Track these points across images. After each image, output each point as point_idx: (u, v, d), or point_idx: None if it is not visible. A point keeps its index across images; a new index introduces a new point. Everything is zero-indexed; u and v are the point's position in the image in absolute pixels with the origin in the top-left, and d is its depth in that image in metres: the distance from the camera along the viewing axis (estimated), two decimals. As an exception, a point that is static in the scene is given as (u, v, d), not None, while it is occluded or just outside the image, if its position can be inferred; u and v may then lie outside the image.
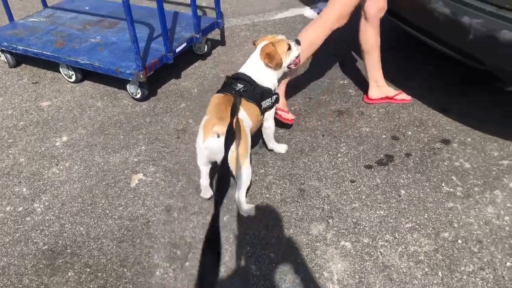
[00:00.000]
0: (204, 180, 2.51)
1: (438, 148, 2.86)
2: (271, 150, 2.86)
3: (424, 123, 3.08)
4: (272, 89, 2.56)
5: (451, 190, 2.56)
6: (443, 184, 2.60)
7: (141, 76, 3.17)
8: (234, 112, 1.90)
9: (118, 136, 3.11)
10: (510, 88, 2.64)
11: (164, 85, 3.65)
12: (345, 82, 3.58)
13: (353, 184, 2.63)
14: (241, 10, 4.83)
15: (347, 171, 2.72)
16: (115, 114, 3.32)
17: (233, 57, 3.99)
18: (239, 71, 2.56)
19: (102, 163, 2.88)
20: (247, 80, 2.46)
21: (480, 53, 2.52)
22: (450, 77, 3.48)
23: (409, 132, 3.00)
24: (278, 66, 2.51)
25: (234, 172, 2.32)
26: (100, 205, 2.59)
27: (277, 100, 2.59)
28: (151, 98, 3.49)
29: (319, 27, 2.78)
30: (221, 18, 3.84)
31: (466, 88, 3.36)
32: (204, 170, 2.48)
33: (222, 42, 4.23)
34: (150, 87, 3.48)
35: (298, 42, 2.61)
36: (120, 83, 3.51)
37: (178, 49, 3.48)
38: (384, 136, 2.98)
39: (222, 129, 2.20)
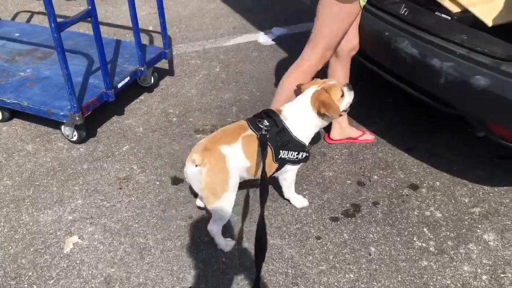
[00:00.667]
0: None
1: (407, 195, 2.66)
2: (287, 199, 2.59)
3: (390, 165, 2.87)
4: (306, 143, 2.33)
5: (424, 245, 2.36)
6: (415, 238, 2.39)
7: (77, 118, 2.79)
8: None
9: (51, 187, 2.71)
10: (482, 134, 2.47)
11: (106, 123, 3.27)
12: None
13: (319, 241, 2.37)
14: (191, 35, 4.52)
15: (311, 226, 2.46)
16: (48, 161, 2.92)
17: (183, 88, 3.67)
18: (280, 108, 2.34)
19: (31, 223, 2.48)
20: (275, 121, 2.24)
21: (451, 98, 2.34)
22: (414, 113, 3.32)
23: (375, 176, 2.79)
24: (335, 114, 2.24)
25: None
26: (27, 278, 2.19)
27: (305, 159, 2.36)
28: (90, 139, 3.10)
29: (303, 74, 2.55)
30: (169, 48, 3.51)
31: (431, 125, 3.20)
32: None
33: (170, 72, 3.90)
34: (89, 126, 3.10)
35: (350, 88, 2.38)
36: (54, 121, 3.10)
37: (120, 85, 3.13)
38: (349, 182, 2.75)
39: (200, 160, 2.08)
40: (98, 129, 3.21)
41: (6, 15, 4.90)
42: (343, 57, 2.71)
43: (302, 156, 2.32)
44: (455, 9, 2.55)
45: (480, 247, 2.34)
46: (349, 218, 2.51)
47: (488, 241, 2.37)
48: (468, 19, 2.49)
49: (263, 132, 2.16)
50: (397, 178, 2.77)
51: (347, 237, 2.39)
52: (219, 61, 4.04)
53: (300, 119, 2.28)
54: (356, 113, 3.22)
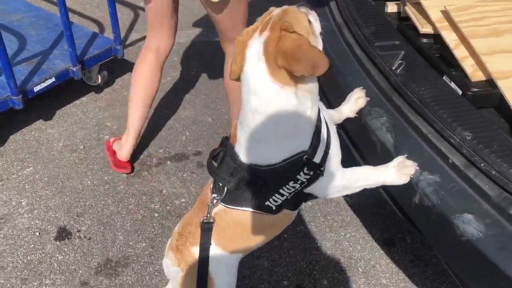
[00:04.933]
0: None
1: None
2: None
3: (353, 266, 2.06)
4: (298, 151, 1.26)
5: None
6: None
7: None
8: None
9: None
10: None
11: (24, 128, 2.65)
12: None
13: None
14: (185, 20, 3.73)
15: None
16: None
17: (139, 94, 2.95)
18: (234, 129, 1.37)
19: None
20: (232, 167, 1.32)
21: (424, 230, 1.48)
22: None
23: (325, 282, 2.00)
24: (322, 68, 1.18)
25: None
26: None
27: (317, 175, 1.31)
28: (-5, 149, 2.50)
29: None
30: (121, 44, 2.78)
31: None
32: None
33: (132, 67, 3.17)
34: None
35: (304, 4, 1.33)
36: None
37: (37, 88, 2.47)
38: (285, 283, 1.98)
39: (174, 262, 1.45)
40: (11, 136, 2.59)
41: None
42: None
43: (305, 175, 1.29)
44: (476, 76, 1.63)
45: None
46: None
47: None
48: (490, 99, 1.58)
49: (207, 216, 1.36)
50: (353, 292, 1.97)
51: None
52: (200, 61, 3.27)
53: (266, 124, 1.24)
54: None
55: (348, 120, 1.67)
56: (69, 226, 2.15)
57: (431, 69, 1.66)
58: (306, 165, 1.26)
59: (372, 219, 2.24)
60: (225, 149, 1.38)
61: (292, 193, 1.33)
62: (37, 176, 2.38)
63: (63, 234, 2.12)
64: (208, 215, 1.36)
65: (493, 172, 1.29)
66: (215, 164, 1.39)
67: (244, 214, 1.36)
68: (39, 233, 2.12)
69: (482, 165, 1.32)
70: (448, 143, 1.41)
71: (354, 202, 2.32)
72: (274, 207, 1.35)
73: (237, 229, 1.39)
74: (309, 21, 1.28)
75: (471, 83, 1.61)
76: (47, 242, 2.08)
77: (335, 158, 1.37)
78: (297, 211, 1.47)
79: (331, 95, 1.91)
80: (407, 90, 1.57)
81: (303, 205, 2.23)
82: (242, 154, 1.30)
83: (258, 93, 1.22)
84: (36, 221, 2.17)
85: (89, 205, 2.25)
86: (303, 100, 1.23)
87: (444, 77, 1.66)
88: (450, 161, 1.39)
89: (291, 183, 1.29)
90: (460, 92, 1.58)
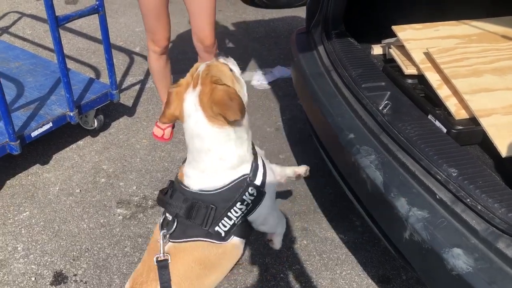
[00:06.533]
0: None
1: None
2: None
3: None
4: (246, 172, 1.45)
5: None
6: None
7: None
8: None
9: None
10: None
11: (21, 173, 2.67)
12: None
13: None
14: (178, 65, 3.84)
15: None
16: None
17: (134, 136, 3.01)
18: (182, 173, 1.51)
19: None
20: (182, 198, 1.45)
21: (415, 265, 1.51)
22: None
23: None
24: (242, 114, 1.37)
25: None
26: None
27: (260, 196, 1.48)
28: (-8, 194, 2.52)
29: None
30: (117, 89, 2.86)
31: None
32: None
33: (130, 110, 3.25)
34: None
35: (224, 54, 1.54)
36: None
37: (35, 133, 2.51)
38: None
39: None
40: (7, 181, 2.62)
41: (-6, 14, 4.48)
42: (200, 53, 2.68)
43: (250, 196, 1.46)
44: (460, 114, 1.70)
45: None
46: None
47: None
48: (474, 136, 1.65)
49: (161, 254, 1.42)
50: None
51: None
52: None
53: (209, 155, 1.42)
54: (328, 210, 2.42)
55: (338, 158, 1.73)
56: (65, 270, 2.15)
57: (416, 108, 1.73)
58: (250, 186, 1.44)
59: (366, 256, 2.26)
60: (173, 185, 1.51)
61: (240, 217, 1.45)
62: (33, 221, 2.39)
63: (59, 278, 2.12)
64: (161, 253, 1.41)
65: (479, 207, 1.34)
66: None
67: (195, 245, 1.44)
68: (35, 278, 2.11)
69: (468, 200, 1.37)
70: (435, 180, 1.46)
71: (348, 239, 2.34)
72: (223, 233, 1.44)
73: (191, 264, 1.44)
74: (231, 69, 1.48)
75: (455, 121, 1.68)
76: (43, 287, 2.07)
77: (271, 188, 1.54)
78: (243, 245, 1.54)
79: (322, 136, 1.97)
80: (394, 129, 1.63)
81: (298, 243, 2.25)
82: (192, 184, 1.45)
83: (200, 136, 1.41)
84: (32, 266, 2.17)
85: (85, 248, 2.26)
86: (240, 134, 1.43)
87: (429, 116, 1.73)
88: (437, 197, 1.44)
89: (238, 205, 1.44)
90: (445, 130, 1.65)
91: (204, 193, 1.43)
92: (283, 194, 2.59)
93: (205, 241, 1.44)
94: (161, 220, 1.49)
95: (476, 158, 1.56)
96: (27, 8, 4.68)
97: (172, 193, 1.49)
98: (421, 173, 1.50)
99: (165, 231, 1.44)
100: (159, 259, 1.41)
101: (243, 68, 3.81)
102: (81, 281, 2.11)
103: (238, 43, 4.21)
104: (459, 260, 1.31)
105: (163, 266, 1.40)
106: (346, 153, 1.70)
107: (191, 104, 1.40)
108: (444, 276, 1.34)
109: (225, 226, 1.44)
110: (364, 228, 2.38)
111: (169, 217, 1.46)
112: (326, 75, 2.08)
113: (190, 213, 1.42)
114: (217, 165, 1.43)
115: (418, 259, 1.46)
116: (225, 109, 1.34)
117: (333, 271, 2.19)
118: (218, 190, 1.43)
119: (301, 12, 4.58)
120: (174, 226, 1.43)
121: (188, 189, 1.45)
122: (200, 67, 1.46)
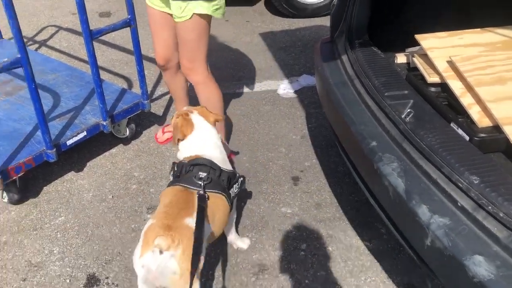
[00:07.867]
0: None
1: None
2: None
3: (372, 312, 2.07)
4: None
5: None
6: None
7: (-1, 181, 2.34)
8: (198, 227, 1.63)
9: (-50, 263, 2.28)
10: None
11: (56, 180, 2.80)
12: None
13: None
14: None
15: None
16: (-33, 223, 2.50)
17: (165, 144, 3.11)
18: (197, 153, 2.04)
19: None
20: (210, 166, 1.97)
21: (437, 271, 1.52)
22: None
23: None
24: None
25: None
26: None
27: (243, 184, 2.14)
28: (30, 200, 2.65)
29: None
30: (148, 98, 2.96)
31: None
32: None
33: (161, 119, 3.36)
34: (34, 183, 2.66)
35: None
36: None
37: (70, 142, 2.64)
38: None
39: (167, 243, 1.58)
40: (44, 187, 2.75)
41: (34, 28, 4.70)
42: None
43: (240, 182, 2.12)
44: (483, 122, 1.71)
45: None
46: None
47: None
48: (497, 144, 1.65)
49: (201, 190, 1.85)
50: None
51: None
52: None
53: (218, 148, 2.13)
54: (353, 217, 2.43)
55: (361, 166, 1.76)
56: (97, 273, 2.24)
57: (438, 116, 1.75)
58: (241, 177, 2.14)
59: (391, 263, 2.27)
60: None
61: (237, 194, 2.09)
62: (68, 225, 2.50)
63: (92, 281, 2.21)
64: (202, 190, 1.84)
65: (501, 214, 1.35)
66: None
67: (218, 197, 1.93)
68: (70, 280, 2.21)
69: (490, 207, 1.37)
70: (456, 187, 1.47)
71: (373, 246, 2.35)
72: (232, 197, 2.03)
73: (213, 208, 1.87)
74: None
75: (478, 129, 1.69)
76: (77, 288, 2.17)
77: None
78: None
79: (345, 143, 2.00)
80: (416, 137, 1.66)
81: (323, 249, 2.28)
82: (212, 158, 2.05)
83: (206, 132, 2.12)
84: (67, 269, 2.27)
85: (117, 252, 2.35)
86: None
87: (452, 124, 1.74)
88: (459, 204, 1.45)
89: (237, 185, 2.08)
90: (467, 138, 1.66)
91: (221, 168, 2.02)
92: (310, 201, 2.62)
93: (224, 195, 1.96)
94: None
95: (499, 165, 1.57)
96: (63, 22, 4.89)
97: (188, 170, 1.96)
98: (443, 180, 1.51)
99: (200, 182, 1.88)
100: (201, 192, 1.83)
101: (269, 77, 3.88)
102: (113, 283, 2.19)
103: (265, 53, 4.28)
104: (480, 267, 1.32)
105: (202, 198, 1.80)
106: (369, 161, 1.73)
107: (199, 120, 2.16)
108: (466, 283, 1.35)
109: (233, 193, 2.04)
110: (389, 236, 2.39)
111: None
112: (350, 83, 2.11)
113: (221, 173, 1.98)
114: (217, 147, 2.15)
115: (440, 266, 1.47)
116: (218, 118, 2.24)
117: (358, 278, 2.21)
118: (228, 171, 2.06)
119: (327, 21, 4.62)
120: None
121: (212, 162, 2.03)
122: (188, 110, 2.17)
